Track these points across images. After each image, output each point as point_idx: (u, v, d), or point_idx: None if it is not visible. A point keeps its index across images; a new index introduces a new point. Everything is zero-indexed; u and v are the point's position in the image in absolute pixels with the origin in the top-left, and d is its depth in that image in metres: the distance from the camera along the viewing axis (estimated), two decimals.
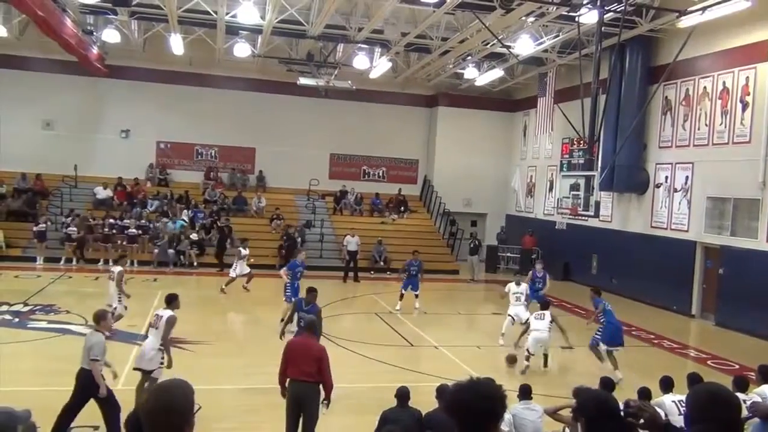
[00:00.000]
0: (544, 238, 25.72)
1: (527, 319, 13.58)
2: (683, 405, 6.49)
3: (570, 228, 24.40)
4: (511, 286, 14.65)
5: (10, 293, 16.80)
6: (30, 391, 9.31)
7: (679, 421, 5.83)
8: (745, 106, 17.11)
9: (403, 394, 7.13)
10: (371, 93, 27.61)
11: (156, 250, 22.53)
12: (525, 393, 7.64)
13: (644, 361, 13.60)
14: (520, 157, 29.21)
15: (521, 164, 28.95)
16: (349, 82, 23.42)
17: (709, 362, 13.71)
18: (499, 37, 19.09)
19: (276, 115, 27.65)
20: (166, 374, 8.44)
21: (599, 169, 18.25)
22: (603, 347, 12.11)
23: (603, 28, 16.74)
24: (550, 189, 26.11)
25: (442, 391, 6.85)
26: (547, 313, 12.48)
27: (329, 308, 17.10)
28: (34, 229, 22.01)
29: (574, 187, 18.24)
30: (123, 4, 18.95)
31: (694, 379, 7.33)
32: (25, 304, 15.54)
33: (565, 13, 17.64)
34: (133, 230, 22.94)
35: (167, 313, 8.91)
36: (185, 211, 24.99)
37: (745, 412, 6.08)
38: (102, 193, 25.26)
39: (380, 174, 29.90)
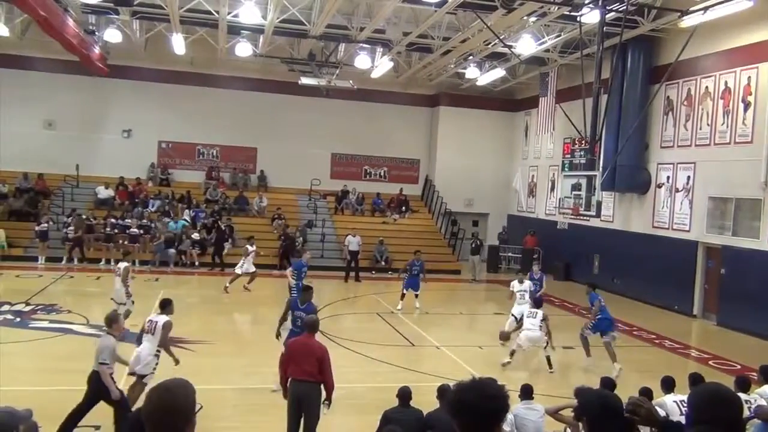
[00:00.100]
0: (546, 238, 25.72)
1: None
2: (685, 405, 6.47)
3: (571, 228, 24.38)
4: (515, 284, 14.84)
5: (12, 293, 16.83)
6: (31, 390, 9.32)
7: (680, 421, 5.82)
8: (747, 106, 17.08)
9: (404, 394, 7.12)
10: (373, 93, 27.61)
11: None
12: (526, 393, 7.64)
13: (646, 361, 13.60)
14: (521, 156, 29.20)
15: (523, 164, 28.94)
16: (351, 81, 23.43)
17: (710, 362, 13.69)
18: (501, 37, 19.08)
19: (277, 114, 27.66)
20: (169, 373, 8.44)
21: (601, 169, 18.22)
22: (589, 333, 12.60)
23: (605, 28, 16.72)
24: (552, 189, 26.10)
25: (443, 391, 6.85)
26: (540, 312, 12.61)
27: (330, 308, 17.13)
28: (36, 228, 22.03)
29: (576, 187, 18.21)
30: (125, 4, 18.96)
31: (695, 379, 7.33)
32: (27, 304, 15.56)
33: (567, 13, 17.63)
34: (135, 230, 22.96)
35: (162, 318, 8.87)
36: (187, 210, 25.01)
37: (746, 413, 6.08)
38: (104, 192, 25.29)
39: (382, 174, 29.90)
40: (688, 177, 19.07)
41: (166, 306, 9.14)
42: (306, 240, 24.65)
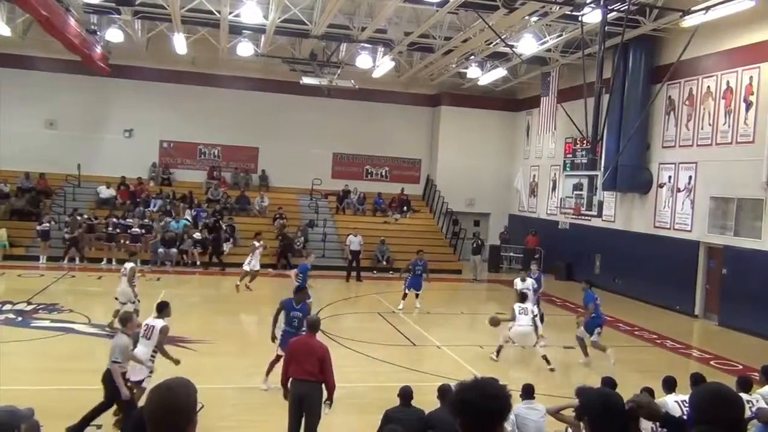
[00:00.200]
0: (547, 238, 25.71)
1: (535, 316, 13.93)
2: (686, 405, 6.48)
3: (573, 228, 24.37)
4: (517, 282, 14.90)
5: (14, 292, 16.86)
6: (33, 389, 9.34)
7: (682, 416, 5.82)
8: (748, 105, 17.06)
9: (405, 394, 7.12)
10: (374, 92, 27.61)
11: (160, 249, 22.55)
12: (528, 393, 7.63)
13: (647, 361, 13.59)
14: (523, 156, 29.19)
15: (524, 164, 28.93)
16: (352, 81, 23.43)
17: (712, 362, 13.68)
18: (503, 37, 19.07)
19: (279, 114, 27.66)
20: (170, 373, 8.44)
21: (602, 169, 18.20)
22: (581, 331, 12.83)
23: (606, 28, 16.68)
24: (553, 189, 26.08)
25: (444, 391, 6.85)
26: (530, 307, 12.81)
27: (332, 308, 17.14)
28: (38, 228, 22.06)
29: (577, 187, 18.19)
30: (126, 4, 18.96)
31: (697, 380, 7.33)
32: (29, 303, 15.57)
33: (569, 13, 17.63)
34: (137, 229, 22.97)
35: (159, 322, 8.83)
36: (188, 210, 25.02)
37: (748, 413, 6.08)
38: (105, 192, 25.32)
39: (383, 173, 29.90)
40: (690, 177, 19.05)
41: (162, 309, 9.12)
42: (307, 240, 24.66)
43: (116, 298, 13.26)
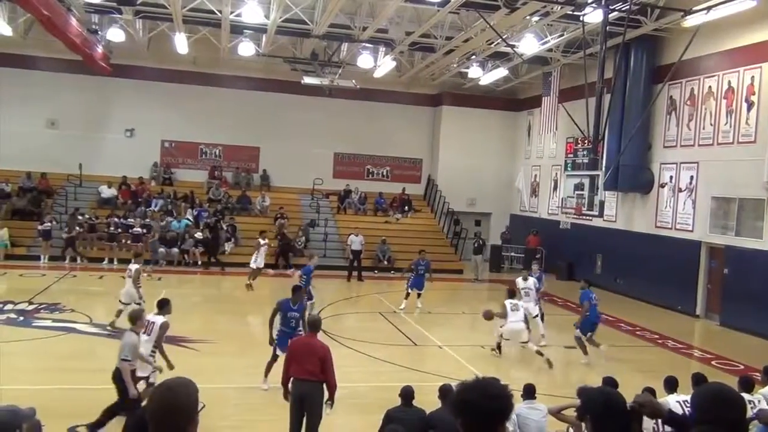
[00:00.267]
0: (549, 238, 25.69)
1: (536, 315, 14.26)
2: (688, 405, 6.47)
3: (574, 228, 24.33)
4: (519, 281, 14.88)
5: (15, 292, 16.88)
6: (34, 389, 9.35)
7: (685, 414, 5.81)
8: (750, 105, 17.04)
9: (407, 394, 7.12)
10: (375, 92, 27.61)
11: (161, 249, 22.57)
12: (529, 393, 7.62)
13: (648, 361, 13.58)
14: (524, 156, 29.18)
15: (525, 164, 28.91)
16: (353, 81, 23.43)
17: (713, 362, 13.67)
18: (504, 37, 19.07)
19: (280, 114, 27.66)
20: (170, 374, 8.45)
21: (604, 169, 18.20)
22: (578, 333, 12.99)
23: (608, 28, 16.68)
24: (555, 188, 26.07)
25: (445, 391, 6.85)
26: (521, 304, 12.97)
27: (333, 307, 17.14)
28: (39, 227, 22.08)
29: (579, 187, 18.17)
30: (128, 3, 18.98)
31: (698, 379, 7.32)
32: (30, 303, 15.58)
33: (570, 13, 17.60)
34: (138, 229, 22.98)
35: (159, 319, 8.86)
36: (190, 210, 25.02)
37: (750, 413, 6.07)
38: (106, 192, 25.33)
39: (384, 173, 29.90)
40: (691, 177, 19.03)
41: (163, 306, 9.14)
42: (309, 239, 24.67)
43: (120, 300, 13.27)
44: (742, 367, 12.92)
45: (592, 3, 16.37)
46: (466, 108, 29.00)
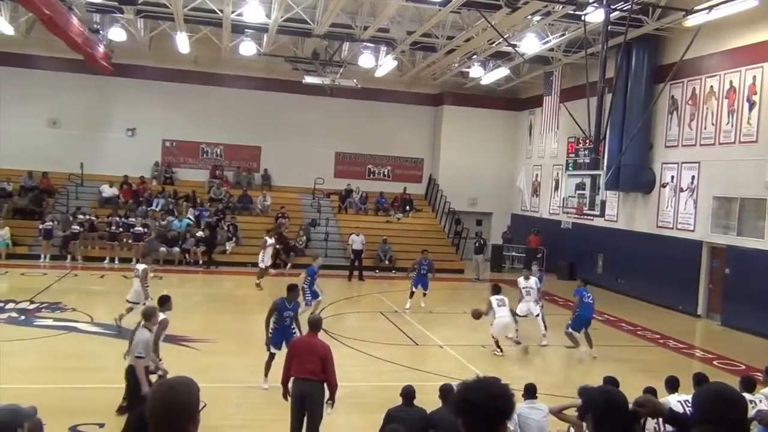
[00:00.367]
0: (550, 238, 25.68)
1: (537, 314, 14.35)
2: (689, 405, 6.47)
3: (575, 227, 24.33)
4: (521, 281, 14.94)
5: (17, 291, 16.89)
6: (36, 388, 9.35)
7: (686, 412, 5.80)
8: (752, 105, 17.03)
9: (408, 393, 7.12)
10: (376, 92, 27.61)
11: (162, 248, 22.55)
12: (530, 392, 7.62)
13: (650, 360, 13.57)
14: (525, 156, 29.17)
15: (527, 163, 28.90)
16: (355, 80, 23.44)
17: (714, 362, 13.66)
18: (505, 36, 19.05)
19: (281, 113, 27.66)
20: (172, 372, 8.45)
21: (605, 169, 18.19)
22: (572, 330, 13.23)
23: (609, 27, 16.68)
24: (556, 188, 26.06)
25: (446, 391, 6.85)
26: (507, 299, 13.33)
27: (334, 307, 17.13)
28: (41, 227, 22.09)
29: (580, 187, 18.18)
30: (129, 3, 18.97)
31: (700, 379, 7.31)
32: (32, 302, 15.59)
33: (571, 12, 17.58)
34: (139, 228, 22.99)
35: (159, 315, 8.87)
36: (191, 209, 25.03)
37: (751, 413, 6.06)
38: (108, 191, 25.33)
39: (385, 173, 29.90)
40: (693, 177, 19.02)
41: (164, 303, 9.14)
42: (310, 239, 24.67)
43: (127, 300, 13.26)
44: (743, 367, 12.91)
45: (593, 2, 16.35)
46: (467, 107, 28.99)
